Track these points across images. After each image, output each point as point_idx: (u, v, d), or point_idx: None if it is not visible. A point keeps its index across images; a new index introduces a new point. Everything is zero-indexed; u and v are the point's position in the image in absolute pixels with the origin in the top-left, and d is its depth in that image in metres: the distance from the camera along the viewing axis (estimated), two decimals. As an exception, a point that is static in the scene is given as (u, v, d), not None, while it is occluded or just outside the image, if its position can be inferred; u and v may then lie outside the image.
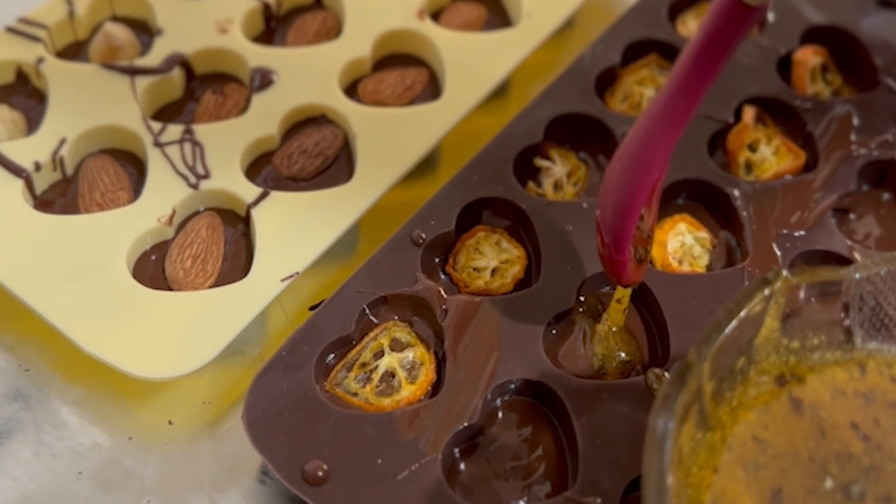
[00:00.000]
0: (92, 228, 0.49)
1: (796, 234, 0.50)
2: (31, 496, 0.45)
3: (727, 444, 0.39)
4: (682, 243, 0.50)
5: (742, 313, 0.38)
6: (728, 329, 0.38)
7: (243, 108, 0.56)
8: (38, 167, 0.51)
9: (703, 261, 0.50)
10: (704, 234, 0.51)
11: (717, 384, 0.39)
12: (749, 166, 0.54)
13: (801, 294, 0.40)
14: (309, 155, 0.53)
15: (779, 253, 0.50)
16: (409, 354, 0.47)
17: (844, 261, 0.50)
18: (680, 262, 0.50)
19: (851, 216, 0.53)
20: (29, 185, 0.51)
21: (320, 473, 0.42)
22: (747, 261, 0.49)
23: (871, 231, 0.53)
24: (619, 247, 0.44)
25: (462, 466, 0.44)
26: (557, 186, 0.53)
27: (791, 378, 0.41)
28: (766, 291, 0.39)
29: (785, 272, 0.40)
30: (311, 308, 0.50)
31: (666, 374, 0.45)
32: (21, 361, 0.49)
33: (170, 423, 0.47)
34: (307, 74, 0.56)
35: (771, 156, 0.54)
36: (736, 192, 0.52)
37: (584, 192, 0.53)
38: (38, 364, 0.49)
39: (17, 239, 0.49)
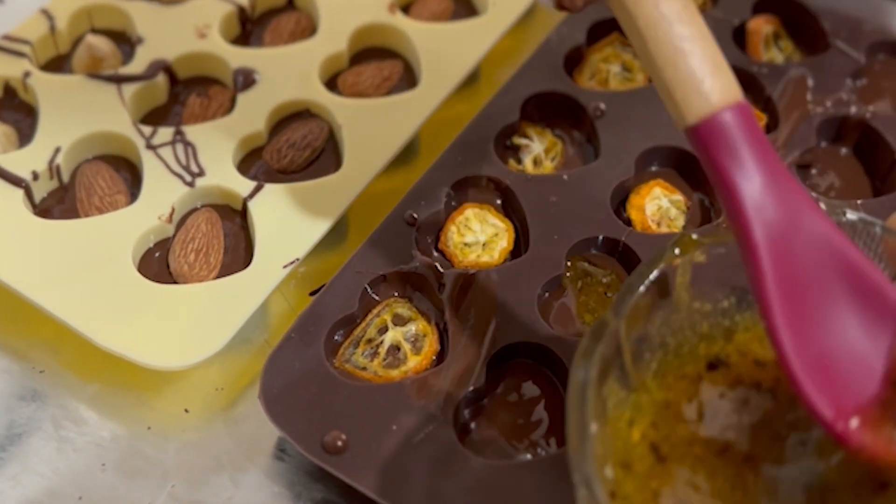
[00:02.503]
0: (95, 230, 0.51)
1: (764, 190, 0.54)
2: (58, 490, 0.47)
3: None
4: (658, 206, 0.53)
5: (652, 275, 0.39)
6: (641, 289, 0.39)
7: (228, 108, 0.58)
8: (35, 176, 0.53)
9: (680, 221, 0.53)
10: (679, 197, 0.54)
11: (635, 345, 0.40)
12: (715, 131, 0.57)
13: (707, 255, 0.41)
14: (297, 148, 0.56)
15: (750, 209, 0.53)
16: (412, 328, 0.49)
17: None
18: (658, 224, 0.53)
19: (813, 171, 0.56)
20: (28, 194, 0.53)
21: (339, 443, 0.44)
22: (722, 217, 0.52)
23: (833, 183, 0.56)
24: (779, 353, 0.37)
25: (472, 426, 0.46)
26: (536, 162, 0.56)
27: (716, 362, 0.41)
28: (676, 251, 0.40)
29: (694, 235, 0.40)
30: (312, 293, 0.52)
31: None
32: (35, 364, 0.50)
33: (185, 411, 0.49)
34: (288, 72, 0.58)
35: (734, 120, 0.57)
36: (705, 156, 0.55)
37: (562, 166, 0.56)
38: (52, 365, 0.50)
39: (24, 245, 0.50)
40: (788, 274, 0.37)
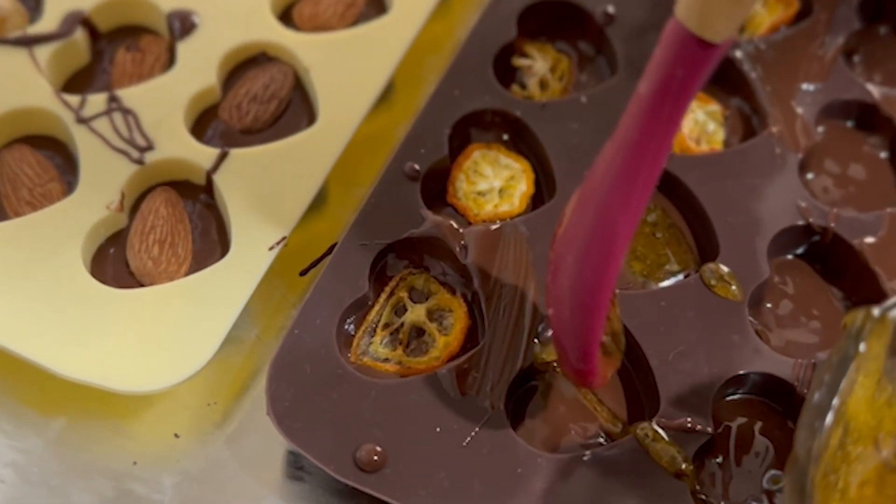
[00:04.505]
0: (32, 232, 0.42)
1: (813, 87, 0.46)
2: (36, 555, 0.38)
3: None
4: (695, 121, 0.46)
5: (843, 384, 0.31)
6: (833, 410, 0.31)
7: (167, 61, 0.48)
8: (-55, 175, 0.43)
9: (719, 136, 0.46)
10: (715, 107, 0.47)
11: (823, 469, 0.32)
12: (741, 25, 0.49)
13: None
14: (260, 101, 0.46)
15: (800, 110, 0.46)
16: (434, 303, 0.41)
17: (869, 107, 0.46)
18: (697, 142, 0.45)
19: (855, 58, 0.49)
20: (-60, 198, 0.43)
21: (375, 458, 0.37)
22: (773, 126, 0.45)
23: (882, 69, 0.49)
24: (587, 353, 0.35)
25: (527, 414, 0.39)
26: (543, 85, 0.48)
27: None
28: (862, 347, 0.31)
29: (875, 311, 0.32)
30: (302, 273, 0.44)
31: (722, 267, 0.41)
32: (-18, 403, 0.42)
33: (175, 436, 0.41)
34: (232, 9, 0.49)
35: (761, 8, 0.49)
36: (738, 54, 0.47)
37: (572, 87, 0.48)
38: (5, 402, 0.42)
39: (-54, 264, 0.41)
40: None
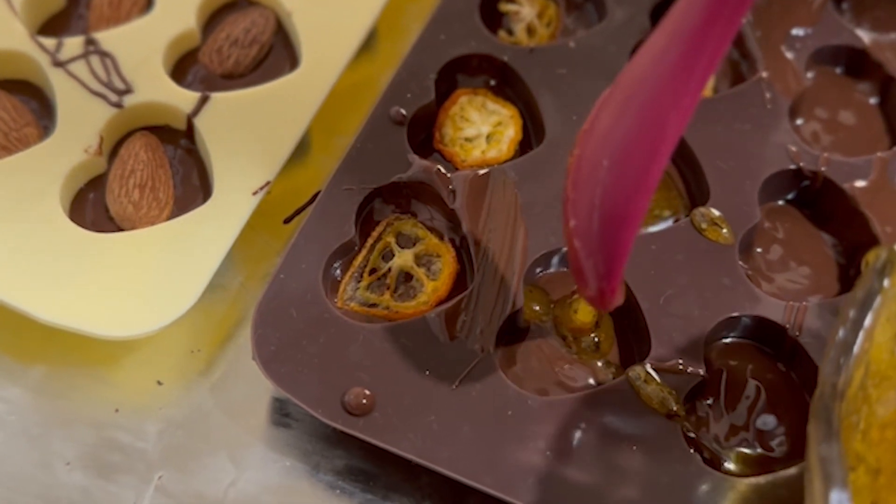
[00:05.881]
0: (9, 177, 0.41)
1: (803, 32, 0.46)
2: (14, 501, 0.37)
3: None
4: (684, 67, 0.45)
5: (867, 321, 0.30)
6: (857, 347, 0.30)
7: (145, 4, 0.47)
8: (-82, 119, 0.42)
9: (709, 81, 0.45)
10: (704, 53, 0.46)
11: (846, 408, 0.31)
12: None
13: None
14: (241, 45, 0.45)
15: (790, 55, 0.45)
16: (422, 248, 0.41)
17: (858, 53, 0.46)
18: (687, 88, 0.45)
19: (844, 5, 0.49)
20: (-88, 141, 0.42)
21: (364, 401, 0.36)
22: (763, 71, 0.44)
23: (871, 14, 0.48)
24: (612, 269, 0.32)
25: (517, 358, 0.39)
26: (530, 31, 0.47)
27: None
28: (886, 283, 0.31)
29: None
30: (286, 221, 0.43)
31: (713, 210, 0.40)
32: (-41, 351, 0.41)
33: (158, 383, 0.40)
34: (212, -48, 0.48)
35: (750, -45, 0.49)
36: (728, 0, 0.46)
37: (559, 33, 0.47)
38: (-19, 350, 0.41)
39: (-79, 209, 0.40)
40: None
